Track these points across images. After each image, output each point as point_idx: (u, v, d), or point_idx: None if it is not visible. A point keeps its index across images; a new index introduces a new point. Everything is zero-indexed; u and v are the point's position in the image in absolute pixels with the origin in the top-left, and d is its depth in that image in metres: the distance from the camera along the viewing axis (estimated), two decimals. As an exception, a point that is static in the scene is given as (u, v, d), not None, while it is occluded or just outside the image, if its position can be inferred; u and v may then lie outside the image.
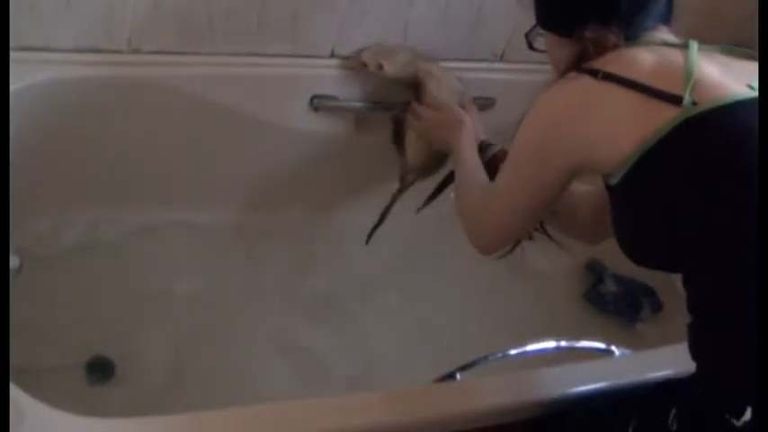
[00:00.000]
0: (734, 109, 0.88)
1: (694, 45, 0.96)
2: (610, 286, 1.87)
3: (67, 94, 1.45)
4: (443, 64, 1.74)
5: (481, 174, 1.31)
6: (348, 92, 1.67)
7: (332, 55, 1.65)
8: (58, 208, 1.60)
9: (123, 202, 1.65)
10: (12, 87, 1.26)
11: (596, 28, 1.02)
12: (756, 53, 0.98)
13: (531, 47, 1.20)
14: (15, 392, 0.90)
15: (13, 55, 1.13)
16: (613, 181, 0.94)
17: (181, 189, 1.70)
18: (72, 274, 1.53)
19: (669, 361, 1.13)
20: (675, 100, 0.88)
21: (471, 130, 1.41)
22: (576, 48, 1.03)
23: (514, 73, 1.79)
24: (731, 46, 1.00)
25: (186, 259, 1.67)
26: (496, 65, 1.80)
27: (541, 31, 1.15)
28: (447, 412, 1.05)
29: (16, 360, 0.87)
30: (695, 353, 0.89)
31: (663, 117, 0.88)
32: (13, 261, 1.13)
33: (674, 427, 0.87)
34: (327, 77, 1.65)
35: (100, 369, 1.41)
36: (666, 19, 1.06)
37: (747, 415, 0.79)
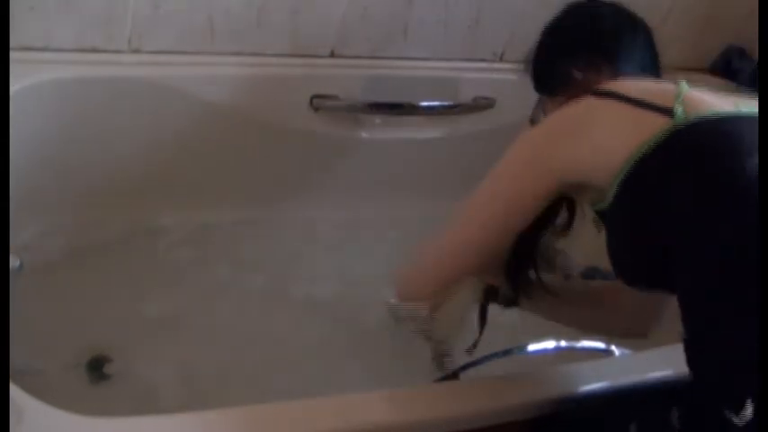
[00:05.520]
0: (723, 119, 0.90)
1: (683, 81, 0.98)
2: None
3: (67, 94, 1.45)
4: (443, 64, 1.75)
5: None
6: (348, 92, 1.67)
7: (332, 55, 1.65)
8: (59, 207, 1.60)
9: (123, 201, 1.65)
10: (12, 88, 1.26)
11: (592, 74, 1.09)
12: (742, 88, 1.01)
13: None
14: (15, 392, 0.89)
15: (13, 55, 1.12)
16: (607, 201, 0.94)
17: (180, 189, 1.70)
18: (72, 274, 1.53)
19: (669, 361, 1.12)
20: (667, 112, 0.90)
21: None
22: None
23: (514, 73, 1.78)
24: (718, 87, 1.03)
25: (186, 258, 1.67)
26: (496, 65, 1.81)
27: (542, 113, 1.18)
28: (447, 412, 1.05)
29: (16, 360, 0.87)
30: (693, 365, 0.89)
31: (655, 127, 0.90)
32: (14, 261, 1.13)
33: (678, 427, 0.87)
34: (327, 77, 1.65)
35: (100, 369, 1.41)
36: (655, 72, 1.12)
37: (748, 410, 0.79)
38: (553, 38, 1.19)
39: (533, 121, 1.21)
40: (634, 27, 1.14)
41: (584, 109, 0.99)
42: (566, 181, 0.99)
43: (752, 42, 1.94)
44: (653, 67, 1.13)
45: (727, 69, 1.97)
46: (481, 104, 1.78)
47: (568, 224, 1.17)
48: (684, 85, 0.95)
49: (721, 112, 0.90)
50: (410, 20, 1.66)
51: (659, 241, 0.91)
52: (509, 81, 1.78)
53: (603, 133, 0.95)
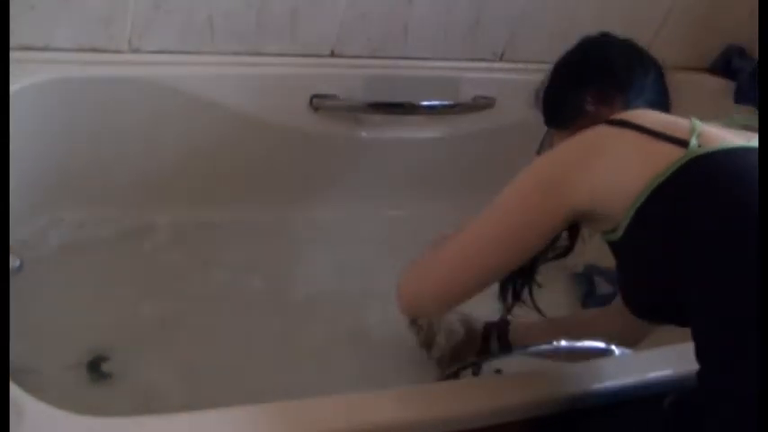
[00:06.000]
0: (737, 152, 0.91)
1: (694, 117, 0.99)
2: (604, 289, 1.85)
3: (67, 93, 1.45)
4: (443, 64, 1.75)
5: None
6: (348, 92, 1.68)
7: (332, 55, 1.65)
8: (59, 207, 1.60)
9: (122, 201, 1.65)
10: (12, 87, 1.26)
11: (604, 107, 1.11)
12: (752, 125, 1.01)
13: None
14: (15, 392, 0.89)
15: (13, 55, 1.13)
16: (620, 231, 0.94)
17: (180, 189, 1.70)
18: (72, 274, 1.53)
19: (669, 361, 1.13)
20: (682, 143, 0.91)
21: None
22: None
23: (514, 73, 1.79)
24: (731, 120, 1.03)
25: (185, 258, 1.67)
26: (496, 65, 1.81)
27: (550, 147, 1.16)
28: (447, 412, 1.05)
29: (16, 360, 0.87)
30: (706, 398, 0.88)
31: (672, 157, 0.90)
32: (14, 261, 1.13)
33: (666, 407, 0.88)
34: (327, 77, 1.65)
35: (100, 369, 1.41)
36: (665, 109, 1.12)
37: None
38: (567, 70, 1.20)
39: (540, 155, 1.20)
40: (646, 63, 1.15)
41: (597, 136, 0.99)
42: (579, 209, 0.98)
43: (752, 42, 1.94)
44: (663, 104, 1.13)
45: (727, 69, 1.98)
46: (481, 104, 1.78)
47: (570, 247, 1.17)
48: (697, 121, 0.95)
49: (733, 145, 0.91)
50: (410, 20, 1.66)
51: (670, 270, 0.91)
52: (509, 81, 1.78)
53: (617, 162, 0.95)
